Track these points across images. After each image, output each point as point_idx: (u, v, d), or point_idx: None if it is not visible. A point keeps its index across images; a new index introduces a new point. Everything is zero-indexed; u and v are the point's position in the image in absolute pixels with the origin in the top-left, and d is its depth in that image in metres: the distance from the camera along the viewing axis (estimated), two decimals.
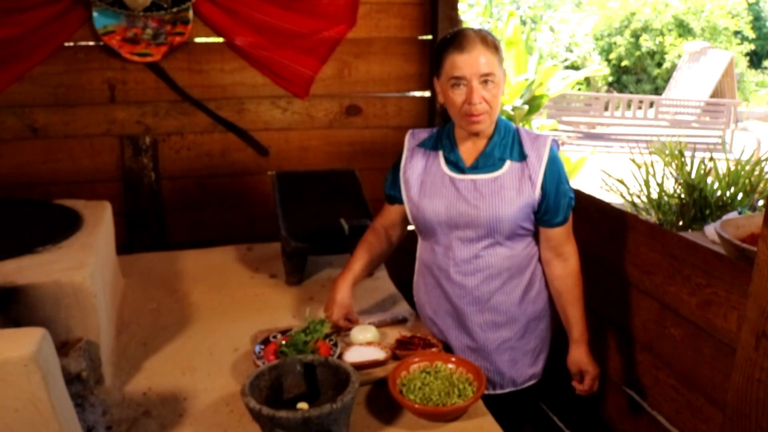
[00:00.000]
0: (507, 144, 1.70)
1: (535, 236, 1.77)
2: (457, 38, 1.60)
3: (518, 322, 1.78)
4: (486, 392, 1.69)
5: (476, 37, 1.59)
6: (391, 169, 1.84)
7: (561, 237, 1.73)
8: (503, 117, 1.76)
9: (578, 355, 1.78)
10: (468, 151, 1.72)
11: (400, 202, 1.82)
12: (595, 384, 1.79)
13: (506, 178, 1.67)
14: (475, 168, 1.69)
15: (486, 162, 1.69)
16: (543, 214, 1.70)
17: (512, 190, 1.66)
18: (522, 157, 1.68)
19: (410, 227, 1.89)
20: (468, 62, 1.58)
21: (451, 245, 1.73)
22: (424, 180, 1.75)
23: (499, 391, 1.83)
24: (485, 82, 1.59)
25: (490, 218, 1.66)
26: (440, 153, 1.75)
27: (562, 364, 1.83)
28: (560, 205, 1.69)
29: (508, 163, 1.68)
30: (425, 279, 1.86)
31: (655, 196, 3.16)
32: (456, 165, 1.71)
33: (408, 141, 1.82)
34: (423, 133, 1.82)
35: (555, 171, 1.68)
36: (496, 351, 1.80)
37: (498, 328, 1.78)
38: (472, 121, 1.63)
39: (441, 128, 1.80)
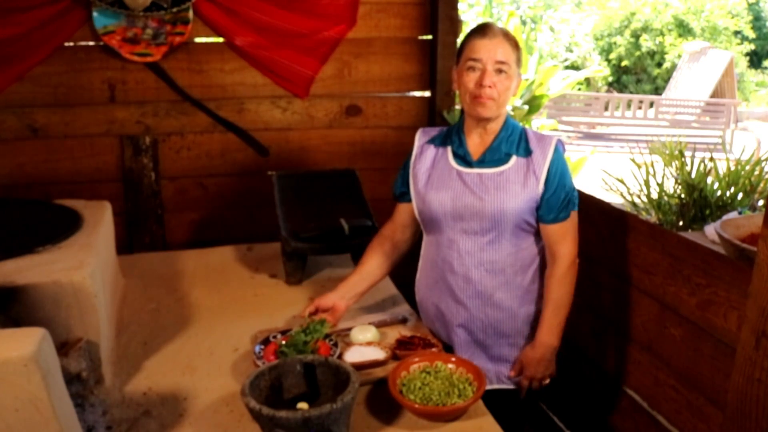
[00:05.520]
0: (514, 141, 1.73)
1: (539, 236, 1.78)
2: (481, 27, 1.69)
3: (519, 321, 1.79)
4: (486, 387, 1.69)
5: (499, 30, 1.68)
6: (401, 169, 1.87)
7: (555, 236, 1.74)
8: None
9: (525, 351, 1.79)
10: (475, 145, 1.75)
11: (409, 199, 1.83)
12: (533, 383, 1.79)
13: (511, 172, 1.70)
14: (482, 162, 1.72)
15: (492, 156, 1.72)
16: (538, 209, 1.72)
17: (517, 184, 1.69)
18: (527, 153, 1.71)
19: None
20: (487, 47, 1.64)
21: (455, 238, 1.75)
22: (431, 173, 1.78)
23: (495, 386, 1.82)
24: (499, 71, 1.65)
25: (494, 211, 1.68)
26: (449, 148, 1.78)
27: (563, 366, 1.83)
28: (556, 202, 1.70)
29: (513, 158, 1.71)
30: (428, 275, 1.87)
31: (655, 196, 3.15)
32: (463, 159, 1.74)
33: (418, 138, 1.86)
34: (433, 131, 1.86)
35: (557, 169, 1.71)
36: (496, 348, 1.80)
37: (500, 325, 1.78)
38: (478, 103, 1.66)
39: (451, 126, 1.84)
